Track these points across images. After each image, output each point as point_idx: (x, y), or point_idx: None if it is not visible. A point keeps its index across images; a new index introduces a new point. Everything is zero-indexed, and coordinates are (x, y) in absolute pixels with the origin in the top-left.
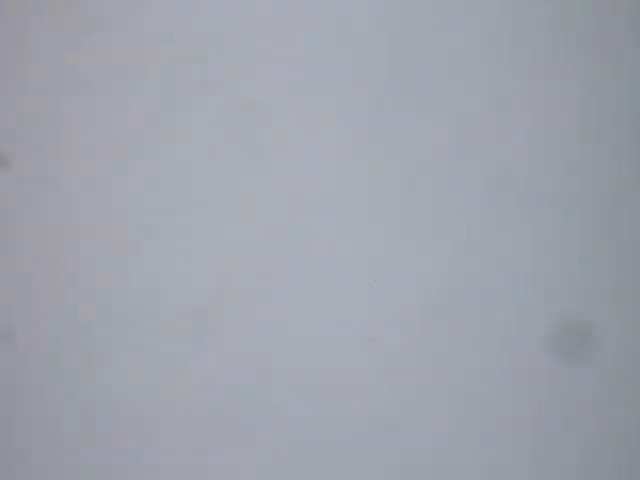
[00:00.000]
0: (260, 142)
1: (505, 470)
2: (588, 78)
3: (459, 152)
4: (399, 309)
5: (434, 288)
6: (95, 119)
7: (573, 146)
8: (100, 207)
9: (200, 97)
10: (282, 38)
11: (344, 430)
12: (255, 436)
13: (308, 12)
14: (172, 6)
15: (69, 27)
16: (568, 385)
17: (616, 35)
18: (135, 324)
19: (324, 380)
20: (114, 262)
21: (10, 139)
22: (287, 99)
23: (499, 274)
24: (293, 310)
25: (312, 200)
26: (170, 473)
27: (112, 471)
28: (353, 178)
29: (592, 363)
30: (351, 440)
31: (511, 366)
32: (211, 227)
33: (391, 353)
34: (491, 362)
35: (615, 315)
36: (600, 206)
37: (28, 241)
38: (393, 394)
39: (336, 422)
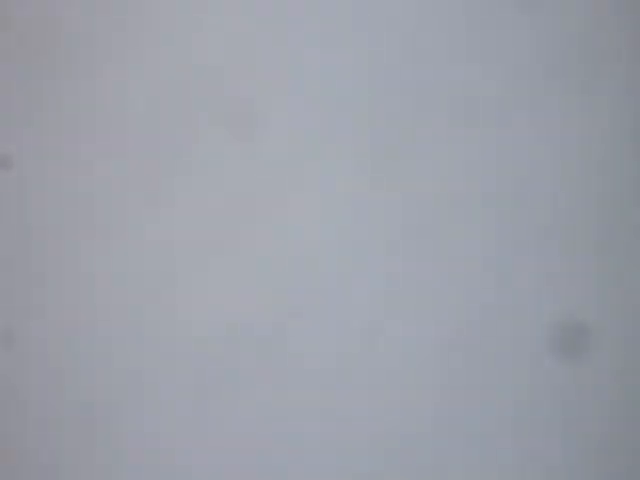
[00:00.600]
0: (273, 192)
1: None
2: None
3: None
4: (416, 340)
5: (448, 320)
6: (98, 122)
7: (574, 163)
8: (101, 209)
9: (217, 150)
10: (290, 98)
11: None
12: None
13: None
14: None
15: (67, 31)
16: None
17: (616, 59)
18: (135, 327)
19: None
20: (114, 262)
21: (12, 141)
22: (299, 154)
23: (505, 290)
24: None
25: (324, 248)
26: (170, 474)
27: (112, 470)
28: (366, 220)
29: (596, 370)
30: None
31: (518, 375)
32: (226, 276)
33: (408, 385)
34: (497, 373)
35: (615, 324)
36: (602, 222)
37: (29, 243)
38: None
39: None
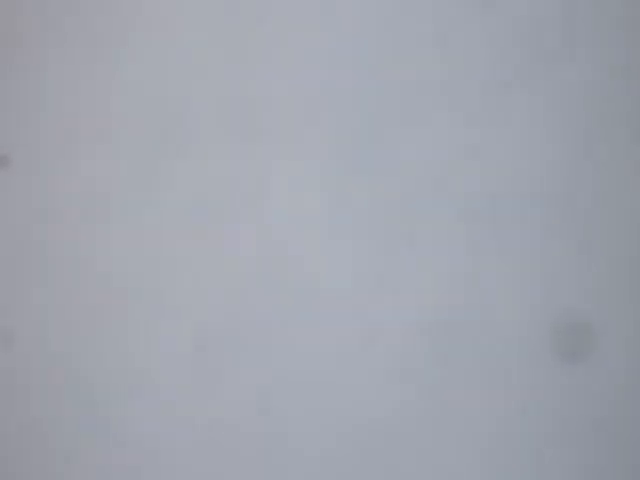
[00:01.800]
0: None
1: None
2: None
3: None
4: (400, 325)
5: (432, 305)
6: (98, 120)
7: (570, 149)
8: (101, 208)
9: (207, 145)
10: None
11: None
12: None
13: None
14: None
15: (67, 32)
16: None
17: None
18: (136, 326)
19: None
20: (114, 261)
21: (10, 139)
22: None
23: (498, 284)
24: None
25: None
26: (170, 473)
27: (112, 470)
28: (347, 196)
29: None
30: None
31: (512, 374)
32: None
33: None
34: (491, 372)
35: (615, 318)
36: (597, 212)
37: (29, 241)
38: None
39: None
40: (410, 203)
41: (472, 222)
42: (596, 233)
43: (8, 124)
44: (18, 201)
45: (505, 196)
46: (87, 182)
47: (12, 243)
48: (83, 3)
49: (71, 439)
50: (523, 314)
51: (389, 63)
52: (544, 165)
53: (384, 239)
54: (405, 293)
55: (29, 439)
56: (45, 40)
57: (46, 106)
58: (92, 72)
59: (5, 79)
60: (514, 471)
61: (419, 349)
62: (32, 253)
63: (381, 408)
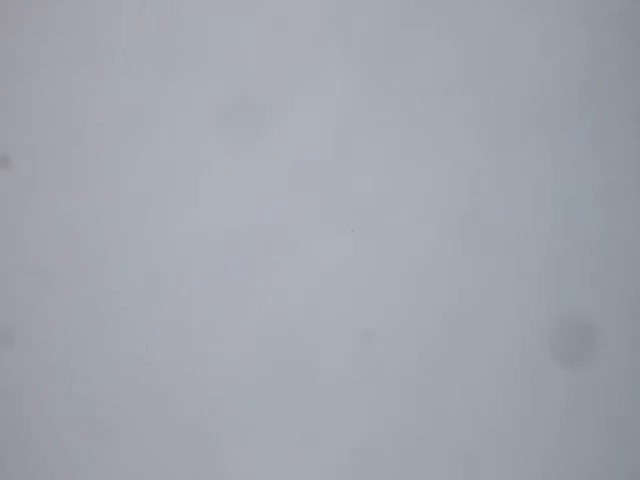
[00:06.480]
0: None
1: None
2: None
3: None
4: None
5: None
6: (98, 120)
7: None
8: (101, 209)
9: (218, 155)
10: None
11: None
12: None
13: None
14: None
15: (65, 28)
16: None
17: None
18: (136, 326)
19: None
20: (114, 262)
21: (10, 139)
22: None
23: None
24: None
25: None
26: (170, 473)
27: (112, 470)
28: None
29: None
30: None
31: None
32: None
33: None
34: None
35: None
36: (602, 211)
37: (28, 242)
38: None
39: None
40: (431, 215)
41: (472, 221)
42: (596, 233)
43: (8, 124)
44: (18, 201)
45: (522, 206)
46: (87, 181)
47: (12, 243)
48: (85, 4)
49: (71, 439)
50: (523, 314)
51: (414, 87)
52: (545, 164)
53: (403, 251)
54: (420, 298)
55: (29, 439)
56: (46, 40)
57: (47, 106)
58: (93, 72)
59: (6, 79)
60: (514, 471)
61: (422, 360)
62: (32, 253)
63: (379, 422)
